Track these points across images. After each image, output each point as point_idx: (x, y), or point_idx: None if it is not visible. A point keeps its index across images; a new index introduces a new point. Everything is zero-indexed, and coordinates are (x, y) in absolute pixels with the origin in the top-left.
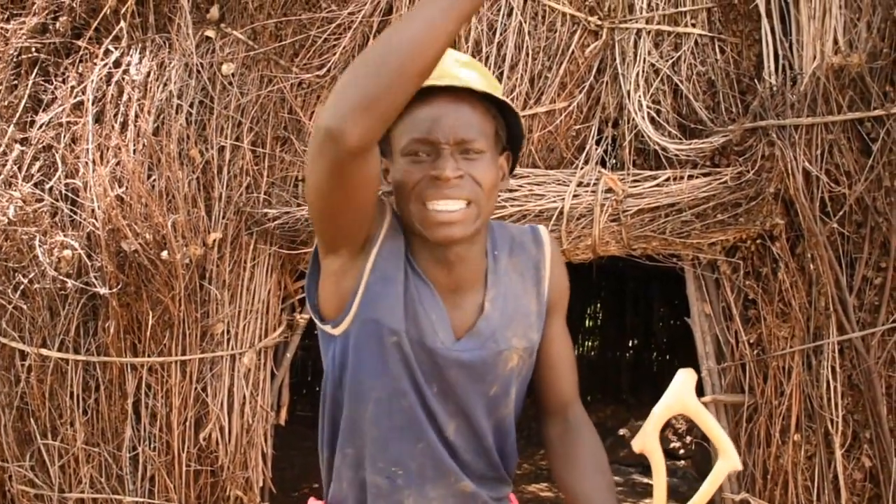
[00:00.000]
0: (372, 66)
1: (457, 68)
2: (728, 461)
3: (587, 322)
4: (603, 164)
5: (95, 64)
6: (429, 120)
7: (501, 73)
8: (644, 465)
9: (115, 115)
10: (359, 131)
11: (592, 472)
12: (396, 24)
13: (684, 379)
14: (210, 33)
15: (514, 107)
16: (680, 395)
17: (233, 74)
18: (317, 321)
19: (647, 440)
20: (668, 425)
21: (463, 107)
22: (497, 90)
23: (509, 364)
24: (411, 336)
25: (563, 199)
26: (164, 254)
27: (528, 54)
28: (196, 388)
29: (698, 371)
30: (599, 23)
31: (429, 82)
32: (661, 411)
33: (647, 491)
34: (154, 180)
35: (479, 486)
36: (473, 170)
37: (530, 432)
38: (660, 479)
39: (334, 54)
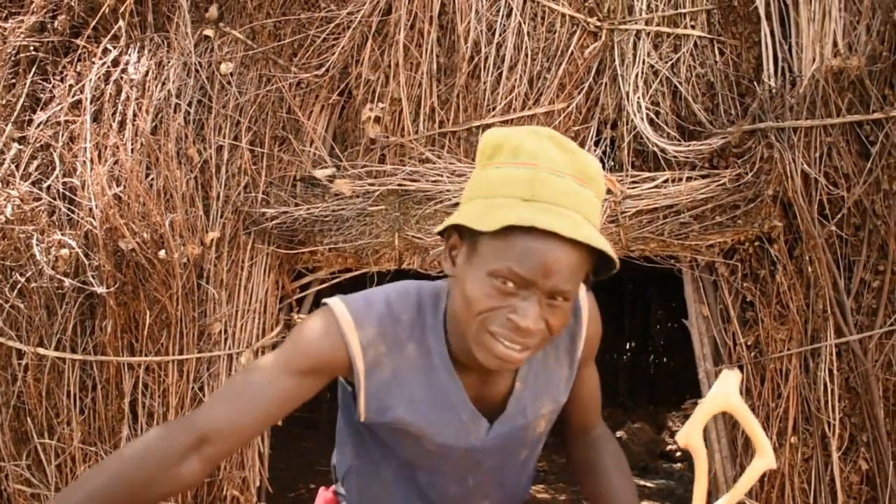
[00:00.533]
0: None
1: (577, 186)
2: (764, 459)
3: None
4: (601, 165)
5: (94, 63)
6: (535, 258)
7: (500, 74)
8: (641, 468)
9: (114, 113)
10: None
11: (615, 473)
12: None
13: (729, 378)
14: (209, 32)
15: (616, 261)
16: (725, 393)
17: (231, 74)
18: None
19: (691, 435)
20: (666, 429)
21: (571, 255)
22: (601, 189)
23: (538, 430)
24: (443, 438)
25: None
26: (162, 253)
27: (527, 55)
28: (193, 388)
29: (705, 374)
30: (599, 24)
31: (549, 218)
32: (707, 408)
33: (644, 494)
34: (152, 179)
35: None
36: (553, 316)
37: None
38: (702, 474)
39: (333, 54)
